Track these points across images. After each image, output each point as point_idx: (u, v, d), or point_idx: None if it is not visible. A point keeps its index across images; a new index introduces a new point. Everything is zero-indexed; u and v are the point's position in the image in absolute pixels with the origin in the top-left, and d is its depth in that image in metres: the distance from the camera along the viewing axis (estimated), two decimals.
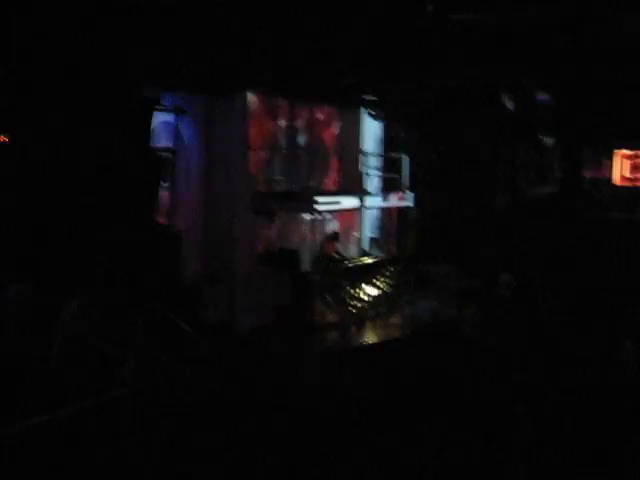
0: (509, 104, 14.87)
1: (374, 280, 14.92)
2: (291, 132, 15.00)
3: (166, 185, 11.81)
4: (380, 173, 17.03)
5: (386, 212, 17.38)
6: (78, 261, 8.91)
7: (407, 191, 16.34)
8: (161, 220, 11.87)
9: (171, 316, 8.73)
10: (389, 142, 17.37)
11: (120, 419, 5.41)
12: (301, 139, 15.26)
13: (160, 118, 11.56)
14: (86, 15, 9.02)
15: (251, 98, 13.52)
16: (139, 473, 5.95)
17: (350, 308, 14.15)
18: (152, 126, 11.11)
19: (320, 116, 15.80)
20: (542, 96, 15.09)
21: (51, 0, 8.70)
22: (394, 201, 16.31)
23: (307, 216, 14.70)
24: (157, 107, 11.14)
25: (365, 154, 16.66)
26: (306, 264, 13.91)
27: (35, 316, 6.98)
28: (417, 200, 16.60)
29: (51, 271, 7.19)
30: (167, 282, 11.43)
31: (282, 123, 14.88)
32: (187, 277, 12.63)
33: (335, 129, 16.40)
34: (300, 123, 15.28)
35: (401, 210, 17.25)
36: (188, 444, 7.21)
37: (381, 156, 17.16)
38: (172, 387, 8.68)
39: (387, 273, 15.36)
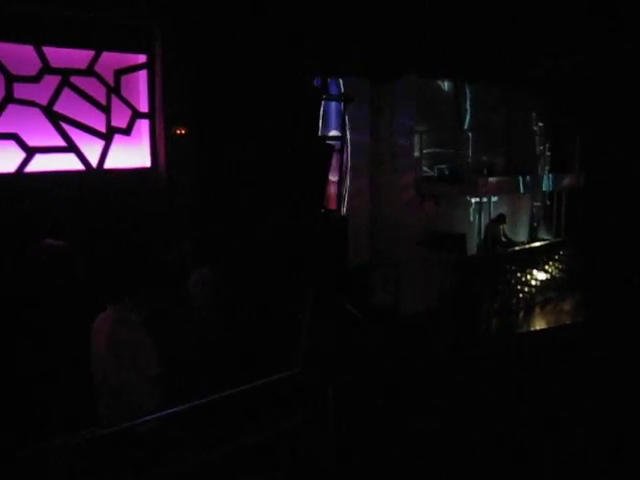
0: None
1: (543, 264, 14.44)
2: (457, 114, 14.75)
3: (333, 172, 12.05)
4: (550, 153, 16.35)
5: (556, 193, 16.63)
6: (250, 247, 9.33)
7: (578, 171, 15.57)
8: (328, 206, 12.14)
9: (339, 300, 8.91)
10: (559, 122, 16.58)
11: (293, 398, 5.59)
12: (468, 121, 14.98)
13: (327, 106, 11.80)
14: (256, 5, 9.39)
15: (416, 81, 13.45)
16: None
17: (518, 293, 13.79)
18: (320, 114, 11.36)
19: (487, 98, 15.41)
20: None
21: None
22: (565, 182, 15.59)
23: (473, 199, 14.41)
24: (325, 96, 11.36)
25: (535, 134, 16.06)
26: (472, 248, 13.67)
27: (214, 300, 7.36)
28: (588, 180, 15.75)
29: (229, 258, 7.59)
30: (334, 267, 11.69)
31: (448, 106, 14.68)
32: (353, 262, 12.82)
33: (502, 110, 15.93)
34: (466, 106, 15.00)
35: (572, 191, 16.43)
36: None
37: (551, 136, 16.45)
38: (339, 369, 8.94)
39: (557, 257, 14.80)
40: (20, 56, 8.26)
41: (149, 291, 4.62)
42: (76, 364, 5.69)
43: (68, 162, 8.78)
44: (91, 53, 8.89)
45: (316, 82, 11.32)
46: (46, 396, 5.45)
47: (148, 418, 4.40)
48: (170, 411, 4.50)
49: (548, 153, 16.46)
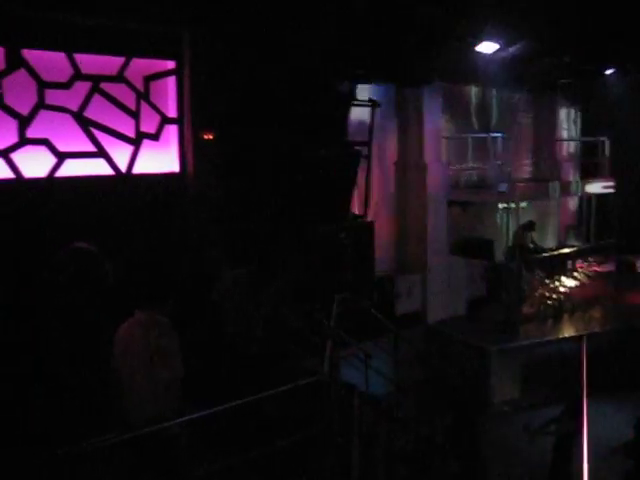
0: None
1: (572, 271, 14.27)
2: (483, 120, 14.68)
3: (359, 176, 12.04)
4: (578, 159, 16.16)
5: (585, 200, 16.43)
6: (281, 250, 9.34)
7: (608, 177, 15.36)
8: (355, 211, 12.13)
9: (364, 305, 8.87)
10: (588, 126, 16.41)
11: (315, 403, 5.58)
12: (494, 127, 14.88)
13: (354, 111, 11.78)
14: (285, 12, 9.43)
15: (443, 86, 13.42)
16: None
17: (546, 300, 13.64)
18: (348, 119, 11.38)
19: (514, 102, 15.32)
20: None
21: None
22: (594, 188, 15.38)
23: (501, 204, 14.30)
24: (353, 102, 11.37)
25: (562, 140, 15.90)
26: (500, 254, 13.55)
27: (247, 300, 7.37)
28: (619, 186, 15.52)
29: (261, 259, 7.60)
30: (360, 271, 11.67)
31: (473, 111, 14.63)
32: (379, 267, 12.79)
33: (529, 115, 15.82)
34: (492, 111, 14.92)
35: (601, 197, 16.21)
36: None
37: (579, 141, 16.28)
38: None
39: (585, 263, 14.62)
40: (52, 63, 8.37)
41: (178, 295, 4.64)
42: (100, 367, 5.77)
43: (98, 167, 8.87)
44: (121, 60, 8.97)
45: (344, 87, 11.35)
46: (71, 396, 5.50)
47: (177, 422, 4.43)
48: (203, 413, 4.52)
49: (578, 158, 16.26)
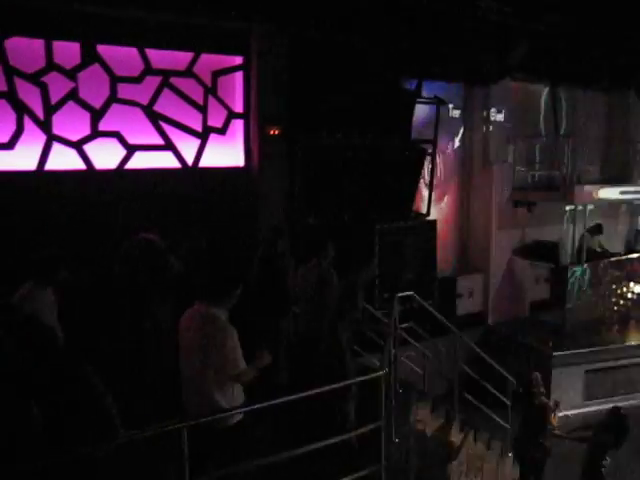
0: None
1: None
2: (552, 119, 14.36)
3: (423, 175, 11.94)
4: None
5: None
6: (348, 247, 9.34)
7: None
8: (418, 209, 12.04)
9: (425, 305, 8.81)
10: None
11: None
12: (563, 126, 14.55)
13: (420, 109, 11.68)
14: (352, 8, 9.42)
15: (511, 85, 13.18)
16: None
17: (613, 306, 13.29)
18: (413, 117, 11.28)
19: (584, 102, 14.93)
20: None
21: None
22: None
23: (568, 207, 13.95)
24: (419, 99, 11.27)
25: (634, 141, 15.42)
26: (566, 257, 13.24)
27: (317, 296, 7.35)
28: None
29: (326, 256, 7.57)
30: (422, 270, 11.59)
31: (542, 111, 14.33)
32: (441, 266, 12.66)
33: (600, 115, 15.40)
34: (562, 111, 14.58)
35: None
36: None
37: None
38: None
39: None
40: (124, 58, 8.59)
41: (238, 289, 4.66)
42: (163, 357, 5.87)
43: (165, 160, 9.07)
44: (190, 55, 9.13)
45: (410, 85, 11.26)
46: (133, 386, 5.62)
47: (231, 413, 4.46)
48: (256, 406, 4.56)
49: None
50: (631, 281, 13.70)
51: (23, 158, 7.91)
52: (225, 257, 7.53)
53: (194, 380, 4.50)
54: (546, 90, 14.30)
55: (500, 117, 12.92)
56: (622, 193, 13.80)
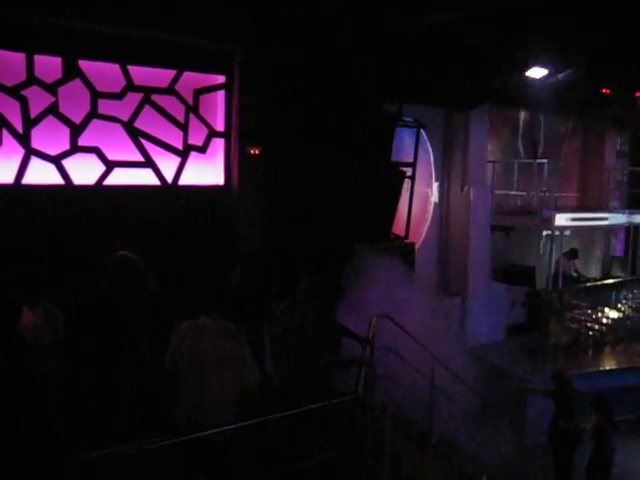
0: None
1: (615, 302, 13.99)
2: (529, 146, 14.54)
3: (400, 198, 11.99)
4: (626, 188, 15.89)
5: (632, 230, 16.13)
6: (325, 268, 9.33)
7: None
8: (396, 232, 12.08)
9: (400, 327, 8.79)
10: (637, 155, 16.15)
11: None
12: (540, 153, 14.73)
13: (399, 132, 11.76)
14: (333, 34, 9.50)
15: (490, 110, 13.35)
16: None
17: (588, 330, 13.38)
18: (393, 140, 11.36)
19: (561, 129, 15.16)
20: None
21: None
22: None
23: (545, 231, 14.10)
24: (399, 122, 11.36)
25: (609, 168, 15.66)
26: (542, 282, 13.35)
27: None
28: None
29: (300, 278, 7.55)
30: (399, 293, 11.59)
31: (520, 136, 14.51)
32: (419, 289, 12.68)
33: (577, 142, 15.64)
34: (539, 136, 14.78)
35: None
36: None
37: (627, 170, 16.02)
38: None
39: (630, 295, 14.32)
40: (106, 74, 8.56)
41: (243, 301, 4.68)
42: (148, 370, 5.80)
43: (145, 177, 9.03)
44: (172, 73, 9.12)
45: (391, 108, 11.34)
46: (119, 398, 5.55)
47: (230, 428, 4.42)
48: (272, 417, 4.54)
49: (626, 188, 15.98)
50: (606, 306, 13.82)
51: (0, 171, 7.83)
52: (202, 275, 7.49)
53: (206, 394, 4.47)
54: (524, 115, 14.49)
55: (478, 141, 13.05)
56: (573, 220, 13.85)
